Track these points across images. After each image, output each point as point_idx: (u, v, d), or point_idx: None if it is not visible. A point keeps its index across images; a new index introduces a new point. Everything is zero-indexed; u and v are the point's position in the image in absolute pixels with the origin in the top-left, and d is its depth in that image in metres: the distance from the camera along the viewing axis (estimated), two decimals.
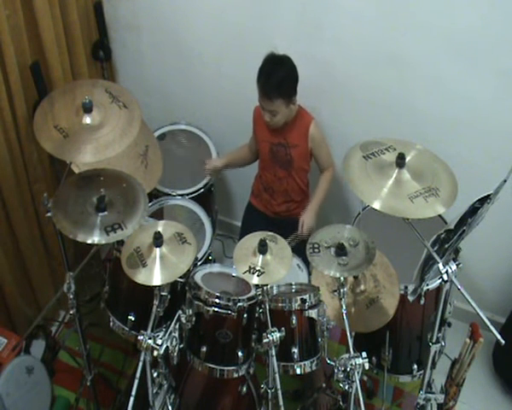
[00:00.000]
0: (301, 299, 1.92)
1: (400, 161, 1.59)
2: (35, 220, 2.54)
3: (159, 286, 1.78)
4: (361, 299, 2.02)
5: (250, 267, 1.75)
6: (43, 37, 2.26)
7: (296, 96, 2.29)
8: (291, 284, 2.08)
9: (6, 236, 2.39)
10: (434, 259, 1.57)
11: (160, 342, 1.72)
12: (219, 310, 1.86)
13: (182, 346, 1.89)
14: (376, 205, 1.54)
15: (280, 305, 1.92)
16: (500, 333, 1.50)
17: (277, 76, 2.20)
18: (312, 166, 2.53)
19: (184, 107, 2.90)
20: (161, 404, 1.94)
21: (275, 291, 2.03)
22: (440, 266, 1.56)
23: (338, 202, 2.81)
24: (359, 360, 1.72)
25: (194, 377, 2.13)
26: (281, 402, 1.82)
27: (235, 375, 1.95)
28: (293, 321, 1.91)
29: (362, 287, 2.03)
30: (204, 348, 1.90)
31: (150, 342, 1.71)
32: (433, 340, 1.81)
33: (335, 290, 1.84)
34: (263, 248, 1.77)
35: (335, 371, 1.77)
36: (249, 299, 1.89)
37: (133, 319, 2.02)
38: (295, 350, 1.94)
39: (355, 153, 1.67)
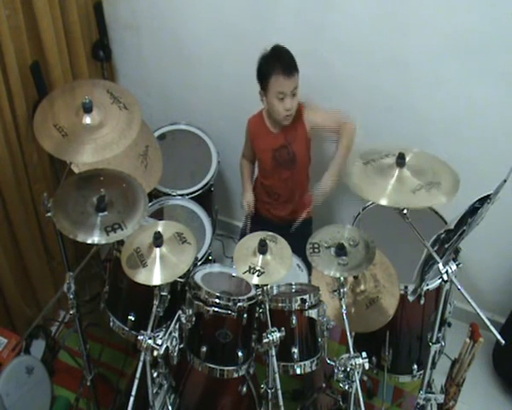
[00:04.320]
0: (301, 299, 1.92)
1: (401, 160, 1.61)
2: (35, 220, 2.54)
3: (159, 286, 1.78)
4: (361, 299, 2.02)
5: (250, 267, 1.75)
6: (43, 37, 2.26)
7: None
8: (291, 284, 2.07)
9: (6, 236, 2.39)
10: (434, 259, 1.57)
11: (159, 342, 1.72)
12: (219, 310, 1.86)
13: (182, 346, 1.89)
14: (383, 201, 1.56)
15: (280, 305, 1.92)
16: (500, 333, 1.50)
17: (288, 51, 2.23)
18: (312, 158, 2.51)
19: (184, 107, 2.89)
20: (161, 404, 1.94)
21: (275, 291, 2.03)
22: (440, 266, 1.56)
23: (338, 201, 2.81)
24: (359, 360, 1.72)
25: (194, 377, 2.13)
26: (281, 402, 1.82)
27: (235, 375, 1.94)
28: (293, 321, 1.91)
29: (362, 287, 2.03)
30: (204, 348, 1.90)
31: (150, 342, 1.71)
32: (433, 340, 1.81)
33: (335, 290, 1.84)
34: (263, 248, 1.77)
35: (335, 371, 1.77)
36: (249, 299, 1.89)
37: (133, 319, 2.02)
38: (295, 350, 1.93)
39: (355, 162, 1.69)
